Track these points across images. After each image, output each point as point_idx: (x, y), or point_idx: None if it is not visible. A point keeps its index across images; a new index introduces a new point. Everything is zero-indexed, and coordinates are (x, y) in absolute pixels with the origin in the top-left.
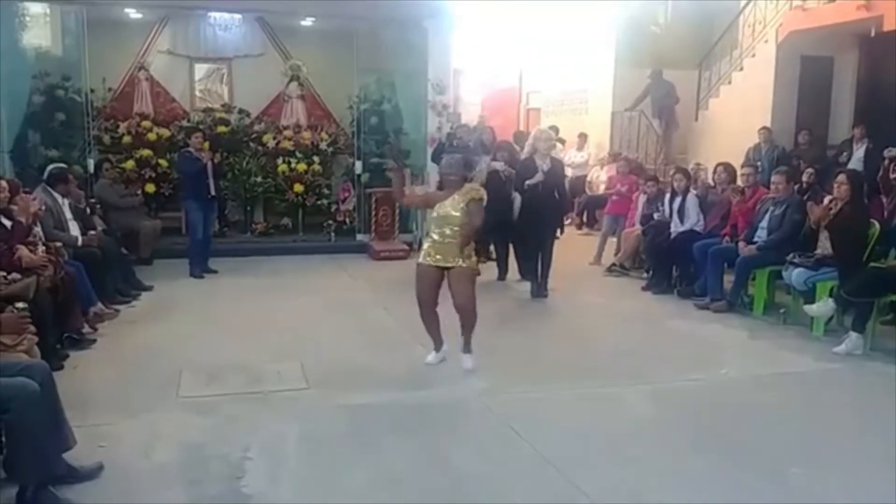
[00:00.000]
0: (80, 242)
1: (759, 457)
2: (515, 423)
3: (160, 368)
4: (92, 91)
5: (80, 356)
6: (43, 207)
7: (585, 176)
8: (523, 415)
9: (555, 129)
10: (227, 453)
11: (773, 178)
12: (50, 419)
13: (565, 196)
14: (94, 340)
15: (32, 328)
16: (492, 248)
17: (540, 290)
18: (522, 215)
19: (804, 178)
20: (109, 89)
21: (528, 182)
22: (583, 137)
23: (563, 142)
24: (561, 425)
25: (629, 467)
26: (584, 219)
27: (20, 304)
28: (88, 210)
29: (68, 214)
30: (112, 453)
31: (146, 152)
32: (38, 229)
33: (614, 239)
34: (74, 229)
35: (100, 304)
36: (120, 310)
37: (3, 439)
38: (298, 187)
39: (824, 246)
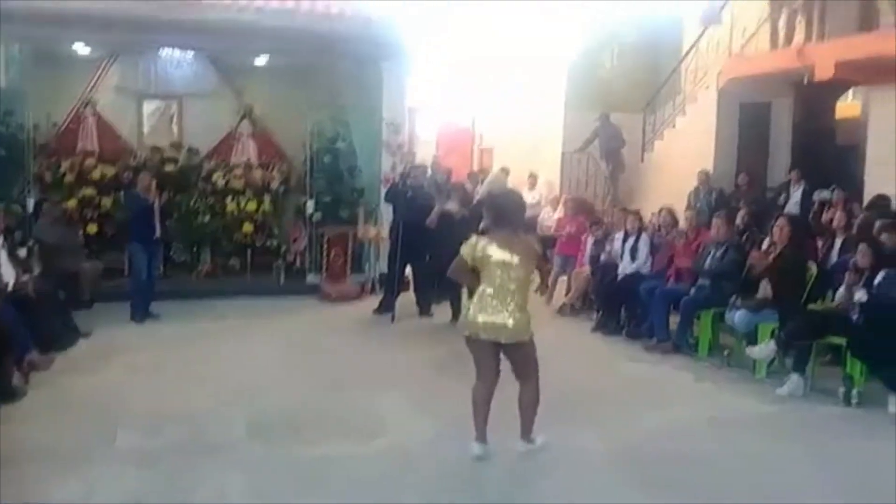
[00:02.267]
0: (10, 287)
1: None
2: (466, 475)
3: (98, 420)
4: (35, 127)
5: (12, 408)
6: None
7: (536, 216)
8: (474, 467)
9: (506, 170)
10: None
11: (713, 222)
12: None
13: None
14: (26, 392)
15: None
16: None
17: None
18: None
19: (737, 221)
20: (54, 124)
21: (482, 225)
22: (533, 178)
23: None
24: (514, 478)
25: None
26: None
27: None
28: (26, 252)
29: (2, 257)
30: None
31: (89, 191)
32: None
33: (565, 278)
34: (8, 272)
35: (34, 352)
36: (54, 357)
37: None
38: (248, 227)
39: (765, 289)
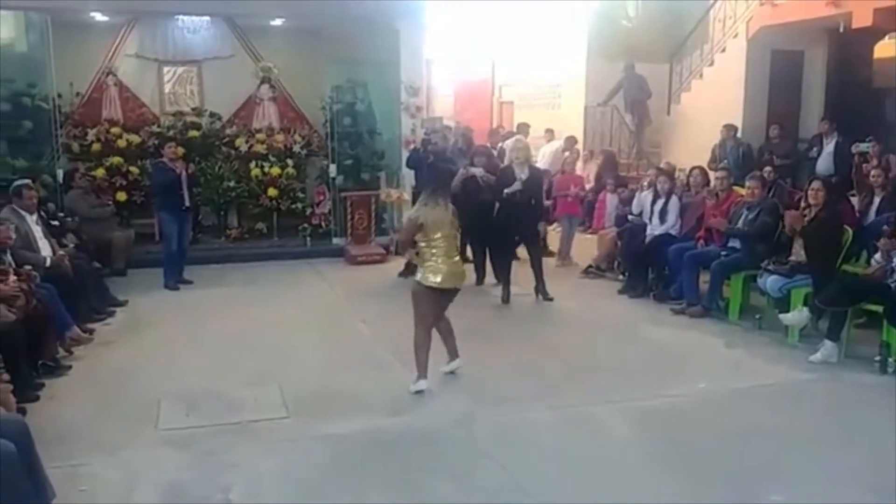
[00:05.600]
0: (48, 263)
1: (737, 481)
2: (494, 450)
3: (138, 396)
4: (59, 96)
5: (56, 384)
6: (13, 236)
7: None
8: (502, 440)
9: (525, 126)
10: (209, 495)
11: (747, 183)
12: (26, 479)
13: (540, 204)
14: (70, 367)
15: (6, 376)
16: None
17: (542, 296)
18: (500, 221)
19: (765, 176)
20: (77, 94)
21: (506, 190)
22: (549, 133)
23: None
24: (539, 450)
25: (607, 494)
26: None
27: None
28: (59, 224)
29: (38, 233)
30: (92, 498)
31: (117, 160)
32: (7, 257)
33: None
34: (45, 248)
35: (75, 328)
36: (94, 329)
37: None
38: (272, 191)
39: (798, 253)
